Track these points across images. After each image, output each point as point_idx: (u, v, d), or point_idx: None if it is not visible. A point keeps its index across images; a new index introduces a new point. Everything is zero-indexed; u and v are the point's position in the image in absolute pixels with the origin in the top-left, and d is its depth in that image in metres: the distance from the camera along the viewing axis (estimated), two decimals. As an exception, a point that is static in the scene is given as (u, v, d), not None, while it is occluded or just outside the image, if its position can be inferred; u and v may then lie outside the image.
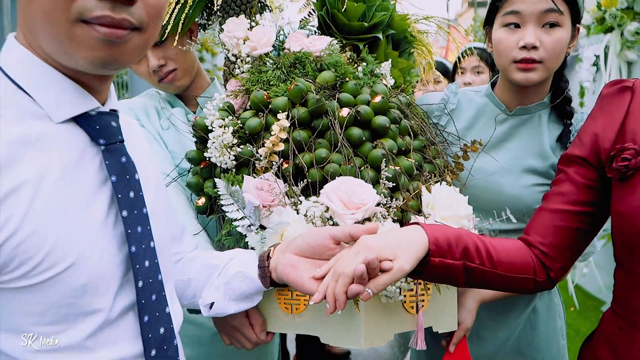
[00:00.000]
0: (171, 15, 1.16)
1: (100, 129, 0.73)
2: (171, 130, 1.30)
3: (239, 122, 1.07)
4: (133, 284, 0.74)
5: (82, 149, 0.72)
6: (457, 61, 2.53)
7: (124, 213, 0.73)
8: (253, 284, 0.93)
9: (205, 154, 1.07)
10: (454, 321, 1.13)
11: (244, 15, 1.19)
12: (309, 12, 1.35)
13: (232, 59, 1.19)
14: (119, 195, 0.73)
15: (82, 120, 0.72)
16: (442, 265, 0.87)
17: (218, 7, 1.23)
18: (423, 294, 1.04)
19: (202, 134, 1.11)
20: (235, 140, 1.05)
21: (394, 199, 1.01)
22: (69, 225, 0.68)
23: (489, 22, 1.24)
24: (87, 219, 0.70)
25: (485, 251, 0.91)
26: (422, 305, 1.03)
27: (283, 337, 2.72)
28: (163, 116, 1.34)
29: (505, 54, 1.16)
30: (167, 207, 0.90)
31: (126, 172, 0.74)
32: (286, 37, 1.23)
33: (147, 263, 0.75)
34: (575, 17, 1.16)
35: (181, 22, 1.19)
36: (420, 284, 1.02)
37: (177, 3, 1.17)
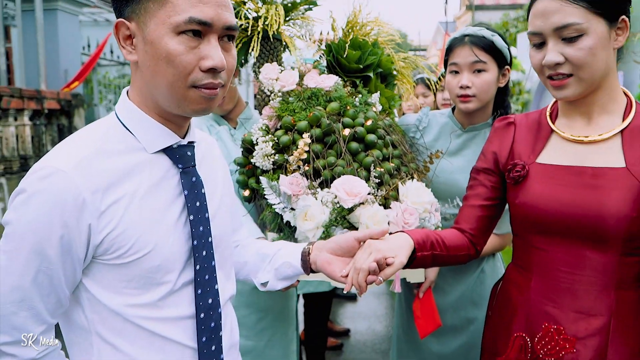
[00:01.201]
0: None
1: (179, 157, 1.00)
2: (224, 140, 1.80)
3: (275, 138, 1.57)
4: (192, 267, 1.00)
5: (166, 170, 0.99)
6: (439, 79, 3.01)
7: (191, 217, 0.99)
8: (297, 270, 1.23)
9: (252, 160, 1.57)
10: (422, 275, 1.62)
11: (276, 63, 1.69)
12: (320, 55, 1.85)
13: (267, 92, 1.69)
14: (189, 204, 0.99)
15: (168, 151, 0.99)
16: (421, 257, 1.24)
17: (256, 55, 1.73)
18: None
19: (248, 146, 1.61)
20: (273, 151, 1.55)
21: (379, 190, 1.51)
22: (151, 224, 0.95)
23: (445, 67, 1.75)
24: (164, 220, 0.97)
25: (441, 242, 1.28)
26: None
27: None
28: (213, 132, 1.83)
29: (451, 92, 1.68)
30: (230, 208, 1.17)
31: (195, 188, 1.01)
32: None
33: (204, 253, 1.01)
34: (501, 62, 1.66)
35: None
36: None
37: None
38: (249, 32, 1.73)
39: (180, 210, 0.99)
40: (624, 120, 1.17)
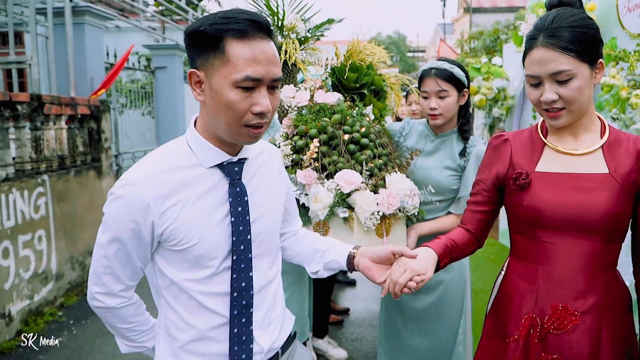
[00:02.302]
0: None
1: (228, 171, 1.26)
2: None
3: (292, 142, 2.09)
4: (231, 257, 1.25)
5: (217, 181, 1.25)
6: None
7: (233, 219, 1.24)
8: (342, 267, 1.53)
9: None
10: (404, 242, 2.14)
11: (292, 85, 2.22)
12: (326, 77, 2.37)
13: (286, 107, 2.21)
14: (232, 209, 1.24)
15: (220, 166, 1.25)
16: (443, 264, 1.51)
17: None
18: (387, 228, 2.06)
19: (272, 148, 2.14)
20: (291, 152, 2.07)
21: (370, 180, 2.03)
22: (198, 223, 1.21)
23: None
24: (210, 220, 1.22)
25: (455, 244, 1.55)
26: (386, 234, 2.05)
27: None
28: None
29: (423, 110, 2.19)
30: (280, 209, 1.42)
31: (238, 196, 1.26)
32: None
33: (242, 247, 1.26)
34: (460, 87, 2.16)
35: None
36: (384, 222, 2.04)
37: None
38: None
39: (226, 214, 1.25)
40: (602, 137, 1.43)
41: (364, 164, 2.03)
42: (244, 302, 1.28)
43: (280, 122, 2.30)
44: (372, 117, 2.27)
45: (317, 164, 2.04)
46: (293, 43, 2.21)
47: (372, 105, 2.30)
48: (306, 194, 2.01)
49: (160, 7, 9.32)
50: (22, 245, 3.88)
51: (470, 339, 2.43)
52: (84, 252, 4.82)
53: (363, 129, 2.12)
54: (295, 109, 2.19)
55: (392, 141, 2.30)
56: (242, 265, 1.27)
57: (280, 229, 1.45)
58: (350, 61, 2.30)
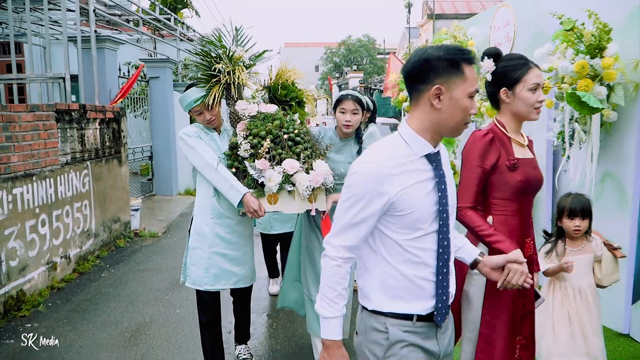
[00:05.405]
0: (214, 100, 3.01)
1: (432, 159, 1.60)
2: (216, 141, 3.13)
3: (249, 141, 2.97)
4: (437, 222, 1.60)
5: (425, 165, 1.59)
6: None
7: (439, 194, 1.59)
8: (466, 262, 1.92)
9: (238, 152, 2.96)
10: (324, 205, 3.13)
11: (245, 100, 3.09)
12: (265, 92, 3.26)
13: (241, 116, 3.07)
14: (437, 186, 1.59)
15: (427, 156, 1.60)
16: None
17: (235, 97, 3.11)
18: (315, 196, 3.04)
19: (233, 145, 2.99)
20: (249, 147, 2.95)
21: (304, 165, 2.98)
22: (414, 195, 1.55)
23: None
24: (421, 193, 1.56)
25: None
26: (315, 200, 3.03)
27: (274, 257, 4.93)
28: (208, 137, 3.13)
29: (339, 122, 3.17)
30: (453, 188, 1.70)
31: (441, 177, 1.60)
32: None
33: (444, 215, 1.60)
34: (363, 108, 3.20)
35: (217, 101, 3.05)
36: (313, 193, 3.01)
37: (214, 96, 3.02)
38: (223, 80, 3.08)
39: (432, 188, 1.59)
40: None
41: (300, 154, 2.98)
42: (445, 257, 1.62)
43: (232, 126, 3.14)
44: (299, 121, 3.22)
45: (268, 155, 2.96)
46: (242, 70, 3.06)
47: (297, 113, 3.26)
48: (263, 177, 2.92)
49: (148, 17, 10.46)
50: (75, 209, 5.74)
51: None
52: (111, 219, 6.70)
53: (296, 131, 3.07)
54: (248, 116, 3.06)
55: (313, 138, 3.28)
56: (444, 229, 1.61)
57: None
58: (280, 81, 3.23)
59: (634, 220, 3.74)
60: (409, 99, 1.66)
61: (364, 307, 1.69)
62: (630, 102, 3.65)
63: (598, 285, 2.86)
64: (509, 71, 2.19)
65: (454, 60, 1.53)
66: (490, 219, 2.22)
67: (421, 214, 1.57)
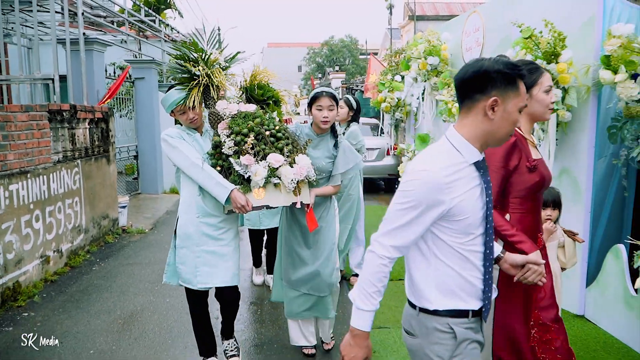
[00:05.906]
0: (194, 102, 3.28)
1: (480, 166, 1.68)
2: (199, 141, 3.39)
3: (232, 139, 3.25)
4: (484, 225, 1.70)
5: (474, 172, 1.67)
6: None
7: (487, 199, 1.68)
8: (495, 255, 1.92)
9: (222, 150, 3.23)
10: (308, 199, 3.42)
11: (225, 100, 3.36)
12: (242, 93, 3.54)
13: (221, 115, 3.34)
14: (485, 192, 1.69)
15: (475, 163, 1.67)
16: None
17: (215, 98, 3.38)
18: (299, 189, 3.33)
19: (216, 144, 3.27)
20: (233, 145, 3.23)
21: (287, 159, 3.27)
22: (467, 201, 1.62)
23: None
24: (473, 198, 1.64)
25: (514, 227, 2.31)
26: (299, 193, 3.32)
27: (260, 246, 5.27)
28: (191, 137, 3.40)
29: (316, 119, 3.44)
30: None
31: (487, 183, 1.69)
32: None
33: (489, 218, 1.70)
34: (337, 103, 3.50)
35: (200, 102, 3.32)
36: (297, 186, 3.31)
37: (195, 97, 3.30)
38: (202, 82, 3.32)
39: (479, 194, 1.67)
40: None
41: (284, 149, 3.27)
42: (491, 257, 1.73)
43: (212, 127, 3.38)
44: (278, 119, 3.51)
45: (252, 151, 3.23)
46: (218, 72, 3.33)
47: (274, 111, 3.55)
48: (249, 171, 3.19)
49: (133, 19, 10.65)
50: (67, 206, 5.99)
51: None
52: (100, 216, 6.94)
53: (277, 127, 3.35)
54: (229, 115, 3.34)
55: (292, 135, 3.57)
56: (490, 231, 1.72)
57: None
58: (255, 81, 3.50)
59: (587, 211, 4.11)
60: (458, 106, 1.73)
61: (421, 309, 1.73)
62: (583, 104, 4.01)
63: (562, 269, 3.15)
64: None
65: (511, 75, 1.61)
66: (507, 217, 2.38)
67: (473, 219, 1.66)
